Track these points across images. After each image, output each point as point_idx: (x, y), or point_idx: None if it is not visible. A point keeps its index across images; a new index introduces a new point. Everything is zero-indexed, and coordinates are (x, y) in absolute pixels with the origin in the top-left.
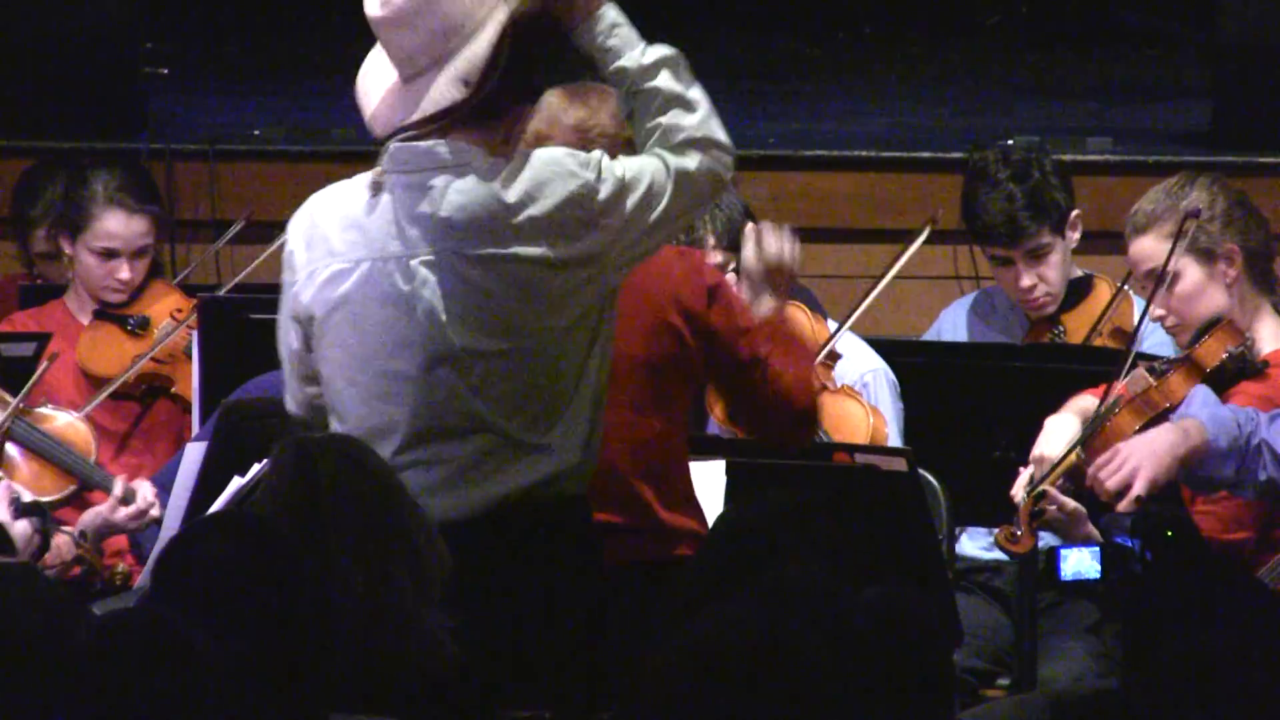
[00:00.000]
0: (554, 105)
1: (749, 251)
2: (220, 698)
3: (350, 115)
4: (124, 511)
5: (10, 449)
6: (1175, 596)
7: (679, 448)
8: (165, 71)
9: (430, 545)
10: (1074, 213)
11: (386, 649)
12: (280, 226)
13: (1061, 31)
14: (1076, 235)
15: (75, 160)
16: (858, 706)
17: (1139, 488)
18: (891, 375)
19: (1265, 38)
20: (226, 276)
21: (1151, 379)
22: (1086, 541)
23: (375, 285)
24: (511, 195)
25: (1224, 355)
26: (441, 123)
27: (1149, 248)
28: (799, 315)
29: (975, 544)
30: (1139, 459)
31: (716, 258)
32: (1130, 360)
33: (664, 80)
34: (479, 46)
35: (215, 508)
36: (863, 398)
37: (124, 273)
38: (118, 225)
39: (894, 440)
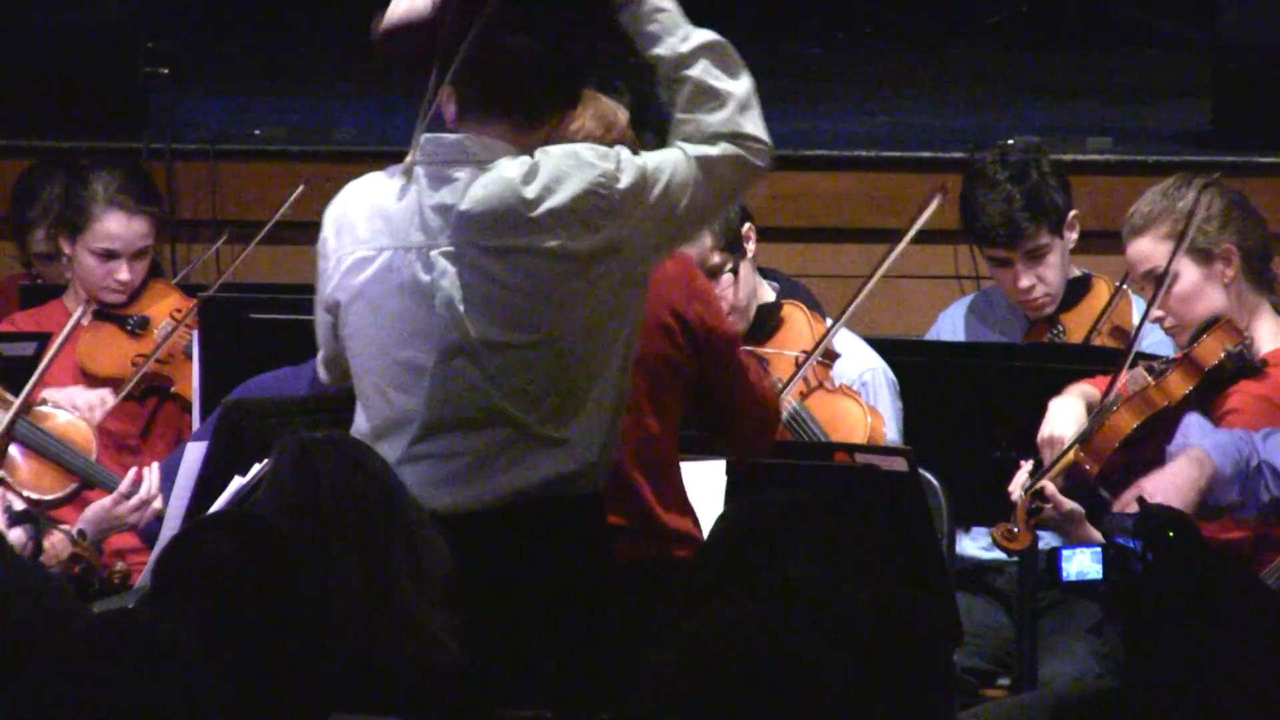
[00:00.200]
0: None
1: None
2: (220, 698)
3: (350, 115)
4: (127, 505)
5: (10, 448)
6: (1176, 597)
7: (672, 449)
8: (166, 71)
9: (430, 544)
10: (1072, 213)
11: (387, 648)
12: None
13: (1061, 31)
14: (1074, 235)
15: (75, 160)
16: (858, 706)
17: None
18: (891, 374)
19: (1265, 37)
20: (227, 277)
21: (1150, 378)
22: (1085, 542)
23: (396, 274)
24: (531, 190)
25: (1222, 354)
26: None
27: (1146, 249)
28: (798, 314)
29: (976, 544)
30: (1163, 499)
31: (715, 258)
32: (1130, 358)
33: (698, 71)
34: None
35: (215, 508)
36: (861, 397)
37: (123, 273)
38: (117, 226)
39: (893, 439)
